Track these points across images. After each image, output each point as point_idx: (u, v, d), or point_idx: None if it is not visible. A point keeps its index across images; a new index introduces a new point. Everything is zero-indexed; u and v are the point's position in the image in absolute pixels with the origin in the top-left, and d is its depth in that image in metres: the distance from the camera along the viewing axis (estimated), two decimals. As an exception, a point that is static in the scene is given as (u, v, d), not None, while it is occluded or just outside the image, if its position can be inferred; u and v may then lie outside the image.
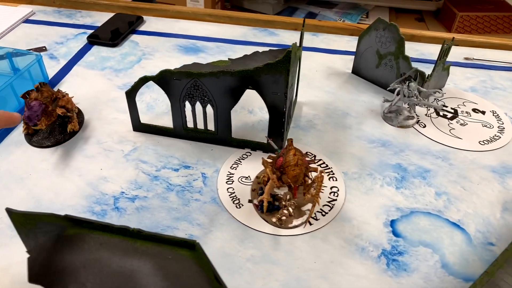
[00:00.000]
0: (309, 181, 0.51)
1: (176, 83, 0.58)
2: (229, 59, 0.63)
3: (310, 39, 0.94)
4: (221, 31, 0.96)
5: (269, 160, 0.53)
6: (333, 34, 0.96)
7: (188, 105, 0.60)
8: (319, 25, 0.96)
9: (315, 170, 0.51)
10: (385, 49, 0.73)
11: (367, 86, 0.79)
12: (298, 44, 0.65)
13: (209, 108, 0.60)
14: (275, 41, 0.93)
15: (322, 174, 0.50)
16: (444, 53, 0.69)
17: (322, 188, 0.57)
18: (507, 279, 0.36)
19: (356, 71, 0.81)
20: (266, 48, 0.65)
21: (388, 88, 0.70)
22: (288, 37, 0.95)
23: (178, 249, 0.36)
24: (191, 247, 0.36)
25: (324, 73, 0.82)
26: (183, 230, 0.52)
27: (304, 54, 0.88)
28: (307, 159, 0.52)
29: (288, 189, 0.50)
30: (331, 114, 0.71)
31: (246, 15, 0.98)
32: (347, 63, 0.84)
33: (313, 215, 0.53)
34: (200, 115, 0.61)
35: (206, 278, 0.34)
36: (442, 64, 0.72)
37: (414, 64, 0.71)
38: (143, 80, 0.59)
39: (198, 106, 0.60)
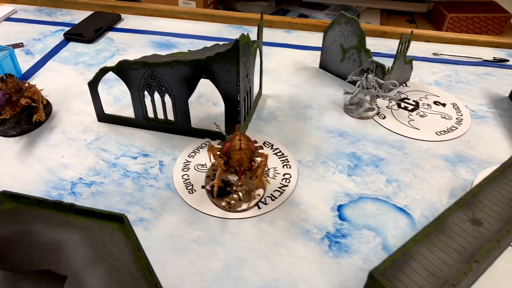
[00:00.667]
0: (256, 166, 0.53)
1: (134, 73, 0.60)
2: (188, 50, 0.65)
3: (283, 36, 0.96)
4: (197, 28, 0.98)
5: (219, 146, 0.54)
6: (305, 31, 0.97)
7: (148, 95, 0.62)
8: (293, 22, 0.98)
9: (262, 155, 0.53)
10: (348, 43, 0.75)
11: (332, 80, 0.80)
12: (256, 37, 0.66)
13: (168, 98, 0.62)
14: (248, 37, 0.95)
15: (266, 157, 0.51)
16: (403, 46, 0.71)
17: (275, 174, 0.59)
18: (423, 252, 0.37)
19: (323, 65, 0.83)
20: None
21: (346, 80, 0.72)
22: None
23: (107, 222, 0.38)
24: (120, 220, 0.38)
25: (292, 68, 0.84)
26: (134, 214, 0.53)
27: (276, 50, 0.90)
28: (256, 145, 0.54)
29: (234, 173, 0.52)
30: (294, 106, 0.73)
31: (221, 13, 1.00)
32: (316, 58, 0.86)
33: (263, 200, 0.55)
34: (160, 105, 0.63)
35: (130, 248, 0.36)
36: (403, 57, 0.73)
37: (383, 60, 0.72)
38: (103, 71, 0.61)
39: (159, 96, 0.62)
